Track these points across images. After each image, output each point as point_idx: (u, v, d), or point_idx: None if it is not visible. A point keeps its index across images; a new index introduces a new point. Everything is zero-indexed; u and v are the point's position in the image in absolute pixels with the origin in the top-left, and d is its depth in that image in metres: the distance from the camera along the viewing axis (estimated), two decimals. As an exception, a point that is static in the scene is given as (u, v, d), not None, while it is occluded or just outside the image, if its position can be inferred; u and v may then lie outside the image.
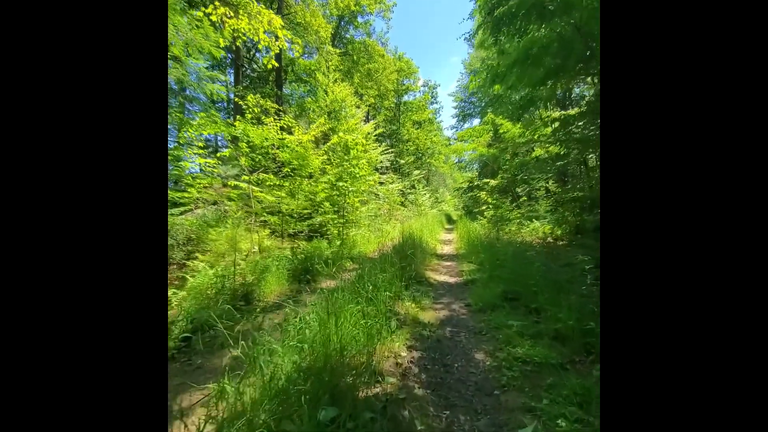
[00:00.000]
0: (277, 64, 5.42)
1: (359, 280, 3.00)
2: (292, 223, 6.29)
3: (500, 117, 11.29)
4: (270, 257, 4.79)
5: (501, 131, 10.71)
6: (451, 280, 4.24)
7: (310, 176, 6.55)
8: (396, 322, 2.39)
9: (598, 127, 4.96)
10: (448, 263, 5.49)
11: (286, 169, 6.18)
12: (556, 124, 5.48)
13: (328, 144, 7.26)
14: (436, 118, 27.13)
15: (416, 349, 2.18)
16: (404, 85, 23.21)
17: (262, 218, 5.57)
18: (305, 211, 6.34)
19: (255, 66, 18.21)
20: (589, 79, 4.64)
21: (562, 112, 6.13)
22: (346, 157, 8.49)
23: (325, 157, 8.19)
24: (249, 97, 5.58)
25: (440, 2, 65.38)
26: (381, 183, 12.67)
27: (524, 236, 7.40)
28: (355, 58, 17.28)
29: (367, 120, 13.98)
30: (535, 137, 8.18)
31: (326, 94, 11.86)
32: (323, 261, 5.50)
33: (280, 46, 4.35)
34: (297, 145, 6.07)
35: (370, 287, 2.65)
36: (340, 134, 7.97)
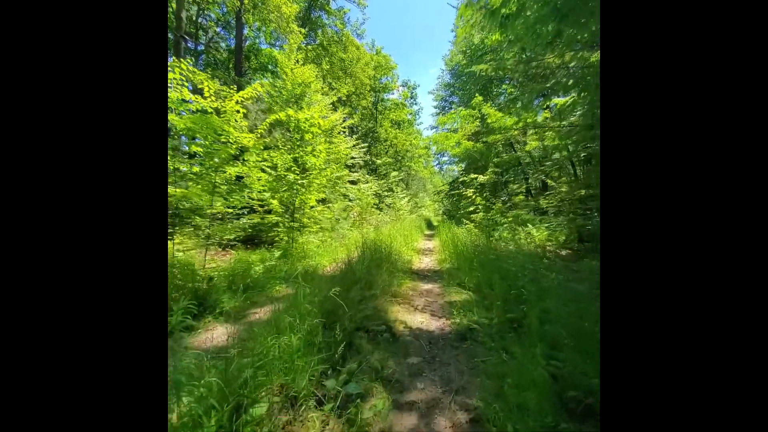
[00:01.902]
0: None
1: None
2: (203, 226, 4.28)
3: (487, 105, 9.82)
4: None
5: (489, 121, 9.19)
6: (434, 324, 2.41)
7: (236, 160, 4.56)
8: None
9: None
10: (428, 286, 3.68)
11: (194, 147, 4.20)
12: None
13: (267, 120, 5.32)
14: (416, 120, 25.72)
15: None
16: (382, 83, 21.63)
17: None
18: (219, 207, 4.34)
19: (212, 50, 16.09)
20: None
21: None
22: (298, 142, 6.60)
23: (268, 139, 6.25)
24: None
25: (416, 13, 65.70)
26: (353, 182, 10.85)
27: (518, 244, 5.77)
28: (324, 44, 15.44)
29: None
30: (531, 121, 6.67)
31: (285, 75, 9.96)
32: (247, 282, 3.57)
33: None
34: (211, 113, 4.11)
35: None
36: (289, 111, 6.07)
